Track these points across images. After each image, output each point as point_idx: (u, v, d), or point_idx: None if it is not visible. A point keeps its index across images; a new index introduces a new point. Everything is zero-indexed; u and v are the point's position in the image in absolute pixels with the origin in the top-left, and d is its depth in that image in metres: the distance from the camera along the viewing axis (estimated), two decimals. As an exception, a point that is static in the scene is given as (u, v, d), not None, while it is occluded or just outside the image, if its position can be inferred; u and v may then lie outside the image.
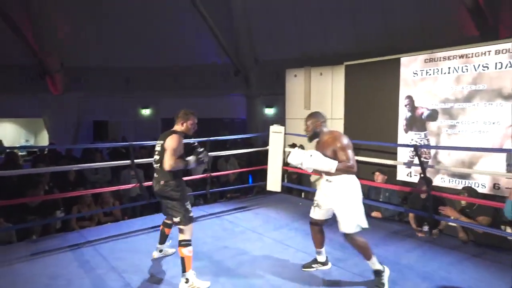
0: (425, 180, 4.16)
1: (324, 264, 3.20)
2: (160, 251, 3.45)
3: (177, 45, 10.73)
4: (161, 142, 2.96)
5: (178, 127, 3.06)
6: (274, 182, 5.53)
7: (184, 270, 2.81)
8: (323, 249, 3.19)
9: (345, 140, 2.78)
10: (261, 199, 5.73)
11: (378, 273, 2.85)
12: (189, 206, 3.01)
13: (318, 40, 9.32)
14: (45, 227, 4.93)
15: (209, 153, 5.40)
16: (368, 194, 5.10)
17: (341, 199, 2.79)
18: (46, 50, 10.21)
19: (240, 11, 9.65)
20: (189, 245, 2.85)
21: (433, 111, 5.57)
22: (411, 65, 5.84)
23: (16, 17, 9.22)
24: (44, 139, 12.10)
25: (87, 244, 3.75)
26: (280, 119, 9.62)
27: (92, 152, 6.99)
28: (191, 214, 2.98)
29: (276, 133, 5.61)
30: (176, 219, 2.92)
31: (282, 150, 5.63)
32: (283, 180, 5.93)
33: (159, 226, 4.24)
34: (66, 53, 10.68)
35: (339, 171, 2.74)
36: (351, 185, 2.80)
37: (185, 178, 5.89)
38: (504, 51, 4.66)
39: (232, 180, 7.12)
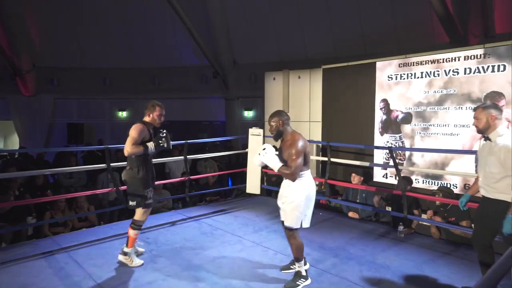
0: (407, 180, 4.30)
1: None
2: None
3: (155, 46, 10.59)
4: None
5: (146, 118, 3.28)
6: (253, 185, 5.54)
7: (127, 246, 3.25)
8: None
9: (299, 146, 2.77)
10: (241, 201, 5.73)
11: (297, 274, 2.94)
12: (148, 194, 3.22)
13: (296, 44, 9.43)
14: (15, 234, 4.74)
15: (188, 156, 5.38)
16: (346, 195, 5.21)
17: (288, 197, 2.86)
18: (17, 50, 9.84)
19: (218, 13, 9.64)
20: (138, 228, 3.26)
21: (407, 114, 5.75)
22: (386, 70, 6.01)
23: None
24: (14, 143, 11.64)
25: (61, 251, 3.63)
26: (259, 122, 9.66)
27: (66, 156, 6.78)
28: (148, 202, 3.23)
29: (255, 136, 5.63)
30: (132, 203, 3.22)
31: (261, 152, 5.66)
32: (262, 182, 5.96)
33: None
34: (38, 53, 10.33)
35: (281, 173, 2.83)
36: (302, 186, 2.84)
37: (163, 182, 5.90)
38: (472, 57, 4.88)
39: (212, 183, 7.07)
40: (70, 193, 5.22)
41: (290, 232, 2.92)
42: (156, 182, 5.75)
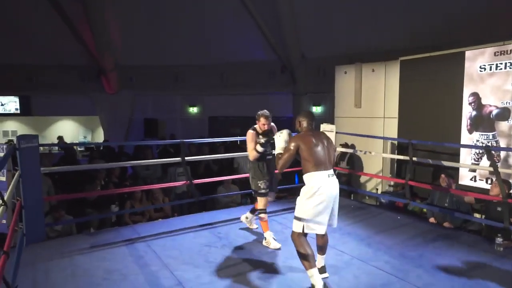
0: (506, 185, 3.76)
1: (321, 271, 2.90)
2: (246, 218, 4.09)
3: (224, 43, 10.78)
4: None
5: (256, 125, 3.79)
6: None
7: (263, 231, 3.66)
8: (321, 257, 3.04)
9: (290, 146, 2.83)
10: (310, 200, 5.53)
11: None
12: (261, 185, 3.69)
13: (369, 35, 8.89)
14: (101, 221, 5.15)
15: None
16: (432, 198, 4.72)
17: (298, 197, 2.82)
18: (101, 51, 10.76)
19: (287, 7, 9.46)
20: (262, 212, 3.63)
21: (503, 110, 5.06)
22: (477, 59, 5.35)
23: (75, 20, 9.79)
24: (100, 136, 12.83)
25: (140, 240, 3.83)
26: (328, 118, 9.33)
27: (144, 149, 7.22)
28: (261, 191, 3.70)
29: (327, 132, 5.38)
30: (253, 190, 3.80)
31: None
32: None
33: (206, 225, 4.29)
34: (119, 52, 11.18)
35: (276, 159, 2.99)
36: (306, 185, 2.76)
37: (232, 177, 5.96)
38: None
39: (279, 179, 6.99)
40: (147, 185, 5.54)
41: (292, 233, 2.80)
42: (225, 177, 5.90)
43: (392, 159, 6.66)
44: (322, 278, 2.74)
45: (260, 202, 3.71)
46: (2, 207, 2.16)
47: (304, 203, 2.71)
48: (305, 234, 2.74)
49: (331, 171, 2.79)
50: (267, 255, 3.44)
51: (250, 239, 3.86)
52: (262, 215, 3.65)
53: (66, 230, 4.56)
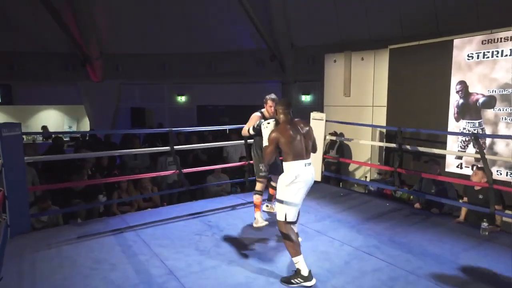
0: (488, 172, 3.83)
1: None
2: (267, 206, 3.99)
3: (212, 31, 10.60)
4: None
5: (264, 108, 3.82)
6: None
7: (254, 211, 3.72)
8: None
9: (271, 137, 2.85)
10: (300, 188, 5.55)
11: (296, 273, 2.71)
12: (261, 167, 3.76)
13: (359, 23, 8.84)
14: (89, 211, 5.07)
15: (248, 140, 5.31)
16: (420, 185, 4.78)
17: (280, 182, 2.86)
18: (86, 39, 10.45)
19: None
20: (256, 194, 3.75)
21: (490, 98, 5.12)
22: (465, 48, 5.38)
23: (59, 7, 9.46)
24: (85, 126, 12.55)
25: (129, 229, 3.78)
26: (317, 106, 9.32)
27: (131, 138, 7.10)
28: (262, 174, 3.78)
29: (316, 120, 5.39)
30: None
31: (322, 138, 5.42)
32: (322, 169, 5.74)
33: (196, 213, 4.26)
34: (104, 40, 10.89)
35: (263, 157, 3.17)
36: (285, 174, 2.82)
37: (221, 166, 5.93)
38: None
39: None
40: (135, 174, 5.46)
41: (280, 222, 2.81)
42: (215, 166, 5.86)
43: (380, 147, 6.71)
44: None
45: (258, 184, 3.80)
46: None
47: (284, 192, 2.78)
48: (289, 223, 2.79)
49: (308, 160, 2.88)
50: (258, 243, 3.44)
51: (240, 227, 3.86)
52: (256, 196, 3.75)
53: (53, 221, 4.47)
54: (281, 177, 2.85)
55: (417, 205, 4.65)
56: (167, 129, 4.59)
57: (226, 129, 9.41)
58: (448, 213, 4.41)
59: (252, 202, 4.67)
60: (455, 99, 5.56)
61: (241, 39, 10.70)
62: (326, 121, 5.55)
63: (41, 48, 10.70)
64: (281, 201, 2.79)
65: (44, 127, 11.40)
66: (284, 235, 2.76)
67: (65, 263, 3.03)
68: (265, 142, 3.12)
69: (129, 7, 10.38)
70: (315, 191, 5.29)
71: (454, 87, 5.56)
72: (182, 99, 12.31)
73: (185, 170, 4.78)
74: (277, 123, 3.13)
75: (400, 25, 8.10)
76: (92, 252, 3.23)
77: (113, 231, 3.72)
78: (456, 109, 5.56)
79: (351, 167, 7.32)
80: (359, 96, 7.33)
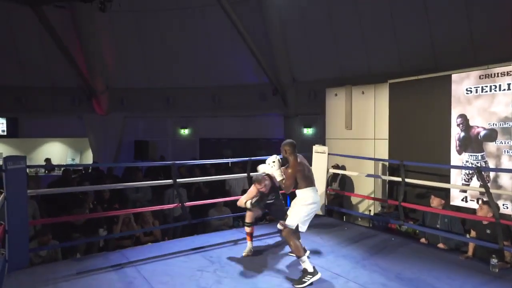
0: (496, 206, 3.79)
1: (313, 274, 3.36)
2: None
3: (216, 66, 10.89)
4: None
5: None
6: (317, 205, 5.28)
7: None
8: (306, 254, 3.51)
9: (291, 171, 3.40)
10: (303, 222, 5.46)
11: (304, 272, 3.22)
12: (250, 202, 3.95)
13: (359, 58, 9.11)
14: (88, 245, 4.97)
15: (251, 174, 5.30)
16: (423, 219, 4.70)
17: (294, 205, 3.46)
18: (93, 73, 10.76)
19: (277, 30, 9.67)
20: (246, 225, 4.07)
21: (491, 131, 5.16)
22: (463, 82, 5.50)
23: (67, 42, 9.83)
24: (88, 158, 12.59)
25: (129, 265, 3.70)
26: (319, 139, 9.38)
27: (133, 171, 7.10)
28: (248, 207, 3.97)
29: (319, 153, 5.41)
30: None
31: (325, 171, 5.41)
32: (325, 202, 5.68)
33: (198, 248, 4.18)
34: (110, 74, 11.19)
35: (281, 183, 3.54)
36: (302, 197, 3.42)
37: (223, 199, 5.88)
38: None
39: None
40: (136, 207, 5.41)
41: (286, 230, 3.34)
42: (217, 200, 5.81)
43: (383, 181, 6.67)
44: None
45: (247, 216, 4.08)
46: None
47: (301, 208, 3.38)
48: (296, 232, 3.39)
49: (316, 187, 3.58)
50: (261, 279, 3.34)
51: (242, 263, 3.77)
52: (246, 228, 4.07)
53: (51, 256, 4.37)
54: (299, 198, 3.43)
55: (423, 240, 4.55)
56: (170, 162, 4.60)
57: (229, 162, 9.45)
58: (455, 248, 4.30)
59: (255, 237, 4.62)
60: (456, 132, 5.60)
61: (244, 74, 10.98)
62: (329, 154, 5.56)
63: (48, 82, 10.99)
64: (296, 217, 3.34)
65: (48, 160, 11.44)
66: (291, 240, 3.28)
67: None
68: (278, 177, 3.53)
69: (134, 42, 10.78)
70: (318, 224, 5.23)
71: (455, 120, 5.62)
72: (185, 132, 12.42)
73: (188, 204, 4.75)
74: (283, 160, 3.58)
75: (399, 60, 8.33)
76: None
77: (113, 266, 3.64)
78: (458, 142, 5.58)
79: (354, 200, 7.24)
80: (361, 129, 7.40)
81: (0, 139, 11.85)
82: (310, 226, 5.07)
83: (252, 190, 4.00)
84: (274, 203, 4.11)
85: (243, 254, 3.95)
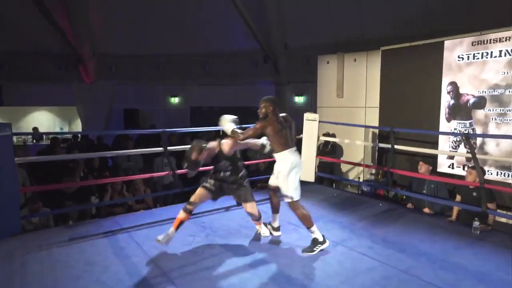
0: (481, 171, 3.88)
1: (276, 230, 3.60)
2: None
3: (206, 32, 10.59)
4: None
5: None
6: (307, 172, 5.35)
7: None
8: (277, 215, 3.63)
9: (257, 126, 3.23)
10: (294, 189, 5.56)
11: (314, 241, 3.23)
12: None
13: (352, 25, 8.91)
14: (81, 213, 5.01)
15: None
16: (410, 185, 4.82)
17: (279, 174, 3.29)
18: (79, 38, 10.35)
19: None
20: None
21: (480, 98, 5.19)
22: (456, 49, 5.45)
23: (51, 6, 9.37)
24: (77, 127, 12.41)
25: (122, 231, 3.75)
26: (310, 108, 9.36)
27: (124, 140, 7.05)
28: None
29: (310, 121, 5.41)
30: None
31: (316, 138, 5.44)
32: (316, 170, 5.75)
33: (193, 214, 4.20)
34: (98, 41, 10.80)
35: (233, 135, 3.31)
36: (283, 162, 3.24)
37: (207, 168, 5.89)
38: None
39: (263, 169, 6.99)
40: (128, 176, 5.42)
41: (291, 203, 3.27)
42: (208, 167, 5.83)
43: (373, 148, 6.76)
44: (278, 236, 3.57)
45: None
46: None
47: (289, 179, 3.22)
48: (297, 201, 3.28)
49: (295, 147, 3.33)
50: (252, 244, 3.44)
51: (234, 228, 3.85)
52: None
53: (43, 223, 4.41)
54: (278, 168, 3.27)
55: (409, 205, 4.69)
56: (161, 129, 4.56)
57: (220, 131, 9.39)
58: (440, 213, 4.45)
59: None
60: (446, 99, 5.62)
61: (235, 40, 10.71)
62: (320, 121, 5.56)
63: (33, 47, 10.56)
64: (292, 189, 3.21)
65: (35, 129, 11.26)
66: (300, 211, 3.24)
67: (56, 265, 3.00)
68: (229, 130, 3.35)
69: (123, 7, 10.32)
70: (309, 192, 5.32)
71: (445, 87, 5.62)
72: (175, 100, 12.26)
73: (179, 171, 4.76)
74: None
75: (393, 26, 8.18)
76: (84, 254, 3.20)
77: (105, 233, 3.69)
78: (447, 109, 5.62)
79: (344, 168, 7.36)
80: (352, 97, 7.38)
81: (-15, 108, 11.56)
82: (302, 193, 5.21)
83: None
84: (229, 181, 3.41)
85: (158, 238, 3.24)
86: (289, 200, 3.25)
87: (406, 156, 5.99)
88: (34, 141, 10.76)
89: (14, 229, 3.54)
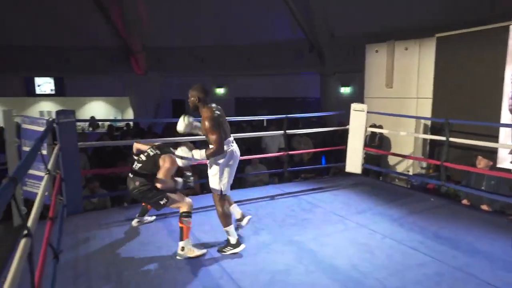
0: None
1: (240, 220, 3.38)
2: (138, 221, 3.62)
3: (249, 23, 10.62)
4: None
5: None
6: (354, 164, 5.25)
7: (181, 239, 2.97)
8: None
9: (212, 121, 2.87)
10: (339, 180, 5.48)
11: (227, 243, 3.04)
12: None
13: (402, 11, 8.48)
14: (134, 196, 5.30)
15: (287, 131, 5.30)
16: (467, 181, 4.53)
17: (210, 168, 3.06)
18: (130, 32, 10.88)
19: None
20: (188, 216, 3.01)
21: (549, 89, 4.73)
22: (523, 34, 4.99)
23: (106, 2, 9.91)
24: (129, 116, 13.13)
25: (172, 214, 3.91)
26: (357, 98, 9.08)
27: (173, 128, 7.33)
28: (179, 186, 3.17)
29: (357, 112, 5.27)
30: (162, 202, 3.05)
31: (363, 129, 5.29)
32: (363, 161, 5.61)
33: (236, 201, 4.24)
34: (147, 34, 11.27)
35: (210, 156, 2.92)
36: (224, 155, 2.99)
37: (259, 156, 5.97)
38: None
39: (306, 160, 6.96)
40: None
41: (215, 197, 3.08)
42: (253, 156, 5.92)
43: (424, 140, 6.44)
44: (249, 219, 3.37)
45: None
46: (47, 175, 2.26)
47: (221, 170, 3.01)
48: (224, 196, 3.10)
49: (232, 137, 3.16)
50: (297, 232, 3.45)
51: (279, 217, 3.88)
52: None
53: (101, 204, 4.74)
54: (212, 161, 3.00)
55: (465, 202, 4.43)
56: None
57: (264, 121, 9.44)
58: (500, 210, 4.16)
59: (290, 193, 4.72)
60: (509, 90, 5.19)
61: (279, 30, 10.65)
62: (368, 112, 5.40)
63: (90, 42, 11.29)
64: (219, 179, 3.01)
65: (92, 117, 12.06)
66: (221, 208, 3.05)
67: (114, 242, 3.23)
68: (203, 155, 2.94)
69: (169, 1, 10.65)
70: (355, 183, 5.22)
71: (508, 77, 5.19)
72: (220, 91, 12.49)
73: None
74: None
75: (448, 12, 7.67)
76: (139, 234, 3.41)
77: (157, 215, 3.89)
78: (510, 100, 5.19)
79: (392, 160, 7.09)
80: (402, 87, 7.05)
81: (50, 98, 12.58)
82: (348, 185, 5.14)
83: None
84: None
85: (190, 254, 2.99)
86: (216, 193, 3.05)
87: (461, 150, 5.64)
88: (91, 129, 11.54)
89: (77, 208, 3.85)
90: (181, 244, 2.95)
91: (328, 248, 3.10)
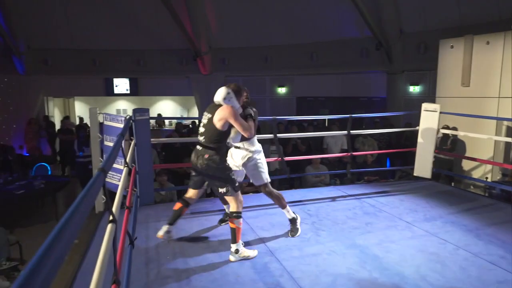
0: None
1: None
2: (168, 232, 3.20)
3: (314, 20, 10.47)
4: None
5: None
6: (423, 167, 4.93)
7: (234, 241, 2.92)
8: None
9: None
10: (406, 184, 5.19)
11: (292, 221, 3.39)
12: (234, 176, 3.01)
13: (483, 3, 7.73)
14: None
15: (351, 131, 5.15)
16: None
17: (249, 160, 3.29)
18: (197, 34, 11.39)
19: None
20: (239, 217, 2.95)
21: None
22: None
23: (176, 5, 10.48)
24: (194, 114, 13.79)
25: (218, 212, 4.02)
26: (427, 98, 8.51)
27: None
28: (237, 184, 3.03)
29: (429, 112, 4.93)
30: (223, 190, 2.94)
31: (435, 131, 4.94)
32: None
33: (296, 201, 4.29)
34: (213, 35, 11.70)
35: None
36: (257, 149, 3.36)
37: (321, 156, 5.89)
38: None
39: (370, 162, 6.69)
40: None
41: (266, 188, 3.37)
42: (314, 156, 5.86)
43: (506, 144, 5.82)
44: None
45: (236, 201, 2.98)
46: (125, 168, 2.47)
47: (263, 162, 3.40)
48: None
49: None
50: (359, 236, 3.34)
51: (340, 219, 3.80)
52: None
53: (169, 197, 5.05)
54: (255, 152, 3.31)
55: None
56: (271, 117, 4.74)
57: (326, 121, 9.28)
58: None
59: (353, 195, 4.58)
60: None
61: (345, 28, 10.35)
62: (441, 112, 5.03)
63: (161, 45, 12.05)
64: (266, 171, 3.38)
65: (159, 115, 12.88)
66: (274, 193, 3.41)
67: (181, 233, 3.42)
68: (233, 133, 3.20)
69: (233, 2, 10.93)
70: (424, 188, 4.91)
71: None
72: (282, 90, 12.52)
73: (287, 158, 4.89)
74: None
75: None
76: (202, 227, 3.58)
77: (220, 210, 4.02)
78: None
79: (467, 165, 6.52)
80: (481, 86, 6.45)
81: (125, 97, 13.72)
82: (416, 189, 4.84)
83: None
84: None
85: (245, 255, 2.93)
86: (262, 184, 3.35)
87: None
88: (157, 126, 12.33)
89: (149, 199, 4.15)
90: (234, 246, 2.89)
91: (393, 255, 2.96)
